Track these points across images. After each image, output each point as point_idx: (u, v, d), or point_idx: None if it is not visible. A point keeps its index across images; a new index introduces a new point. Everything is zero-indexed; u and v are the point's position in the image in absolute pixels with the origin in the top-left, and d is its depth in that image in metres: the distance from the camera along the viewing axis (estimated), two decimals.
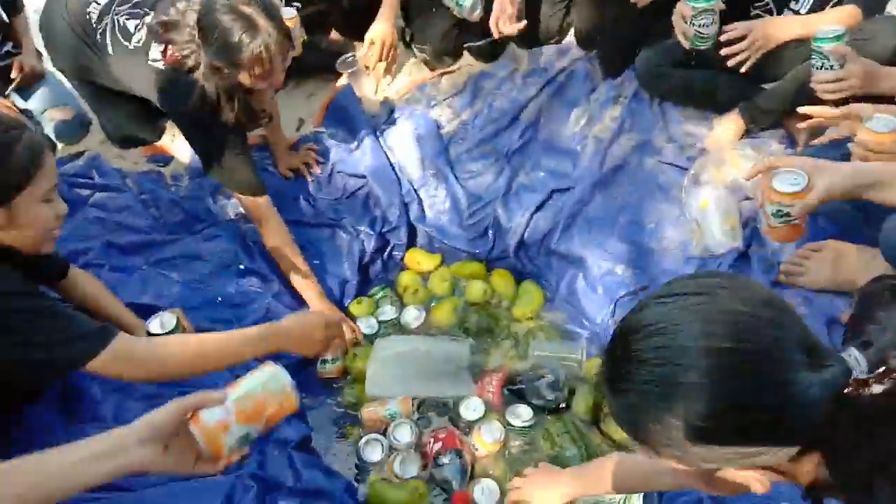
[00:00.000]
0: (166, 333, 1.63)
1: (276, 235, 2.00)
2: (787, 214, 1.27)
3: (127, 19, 2.02)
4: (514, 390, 1.85)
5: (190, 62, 1.80)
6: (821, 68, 1.66)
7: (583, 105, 2.36)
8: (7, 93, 2.38)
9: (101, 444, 0.96)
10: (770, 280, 1.77)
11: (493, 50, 2.59)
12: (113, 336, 1.32)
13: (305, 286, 2.01)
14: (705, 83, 2.18)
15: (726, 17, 2.04)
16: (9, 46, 2.45)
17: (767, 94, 2.08)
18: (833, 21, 1.78)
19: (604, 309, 1.93)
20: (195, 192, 2.27)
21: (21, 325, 1.25)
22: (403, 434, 1.78)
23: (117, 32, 2.01)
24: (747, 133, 2.12)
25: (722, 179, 1.95)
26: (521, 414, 1.77)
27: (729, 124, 2.12)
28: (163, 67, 1.91)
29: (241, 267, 2.06)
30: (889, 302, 1.42)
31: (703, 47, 1.92)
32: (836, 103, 1.65)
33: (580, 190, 2.15)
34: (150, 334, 1.63)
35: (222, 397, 0.98)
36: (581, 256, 2.03)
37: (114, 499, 1.45)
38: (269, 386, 1.03)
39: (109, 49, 2.03)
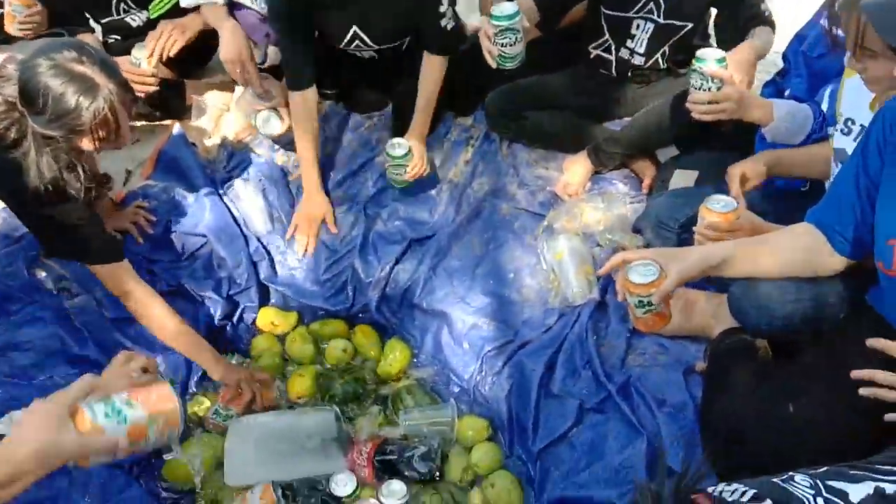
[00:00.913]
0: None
1: (148, 304, 1.77)
2: (650, 304, 1.30)
3: None
4: (386, 461, 1.77)
5: (12, 134, 1.55)
6: (699, 89, 1.70)
7: (436, 147, 2.32)
8: None
9: None
10: (628, 328, 1.82)
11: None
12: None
13: (198, 354, 1.83)
14: (553, 124, 2.21)
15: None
16: None
17: (614, 138, 2.15)
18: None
19: (471, 365, 1.91)
20: (6, 266, 1.99)
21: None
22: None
23: None
24: (597, 173, 2.18)
25: (574, 229, 1.99)
26: (396, 491, 1.69)
27: (578, 168, 2.16)
28: None
29: (72, 354, 1.83)
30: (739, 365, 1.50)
31: (509, 66, 1.90)
32: (710, 126, 1.73)
33: (437, 240, 2.11)
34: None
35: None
36: (444, 311, 1.99)
37: None
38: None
39: None
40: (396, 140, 2.10)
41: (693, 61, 1.69)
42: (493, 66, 1.90)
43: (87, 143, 1.58)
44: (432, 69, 2.14)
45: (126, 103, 1.59)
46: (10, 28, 2.13)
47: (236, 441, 1.81)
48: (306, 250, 2.17)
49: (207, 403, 1.90)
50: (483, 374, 1.89)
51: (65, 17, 2.23)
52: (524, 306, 1.95)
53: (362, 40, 2.15)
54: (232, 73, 2.25)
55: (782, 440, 1.29)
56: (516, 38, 1.83)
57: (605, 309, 1.88)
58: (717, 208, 1.48)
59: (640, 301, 1.30)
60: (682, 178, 1.90)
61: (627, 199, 2.07)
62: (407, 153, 2.08)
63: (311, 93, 2.12)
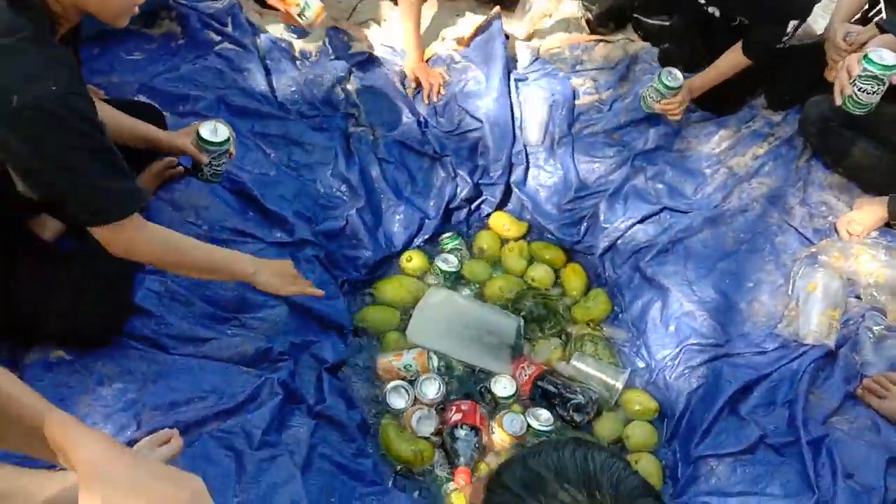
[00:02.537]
0: (217, 143, 1.62)
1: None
2: None
3: None
4: (545, 389, 1.81)
5: None
6: None
7: (731, 128, 2.21)
8: None
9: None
10: (848, 389, 1.68)
11: (661, 33, 2.42)
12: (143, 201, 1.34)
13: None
14: (867, 155, 2.00)
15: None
16: None
17: None
18: None
19: (668, 348, 1.86)
20: (319, 76, 2.23)
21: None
22: (430, 390, 1.76)
23: None
24: (888, 226, 1.96)
25: (840, 269, 1.82)
26: (541, 417, 1.74)
27: (871, 210, 1.95)
28: None
29: (337, 170, 2.04)
30: None
31: (855, 111, 1.75)
32: None
33: (692, 217, 2.04)
34: (200, 137, 1.61)
35: None
36: (666, 286, 1.94)
37: (148, 356, 1.51)
38: None
39: None
40: (674, 70, 2.09)
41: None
42: (838, 102, 1.77)
43: None
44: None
45: None
46: None
47: (431, 306, 1.94)
48: (439, 93, 2.27)
49: None
50: (676, 361, 1.84)
51: None
52: (749, 320, 1.85)
53: None
54: None
55: None
56: (877, 90, 1.70)
57: (831, 360, 1.74)
58: None
59: None
60: None
61: None
62: (678, 87, 2.08)
63: None
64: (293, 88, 2.18)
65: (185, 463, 1.28)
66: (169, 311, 1.61)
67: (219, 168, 1.68)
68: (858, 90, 1.71)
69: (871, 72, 1.67)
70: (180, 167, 1.85)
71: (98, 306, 1.46)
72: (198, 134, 1.61)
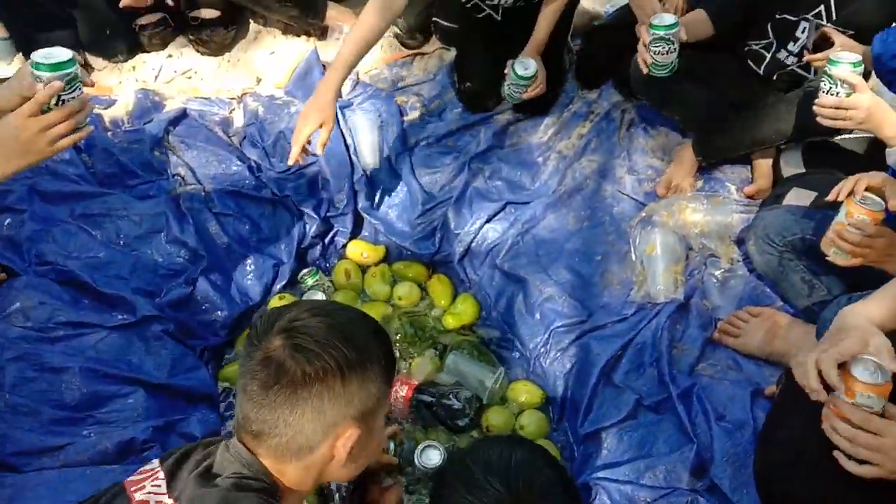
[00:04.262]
0: (55, 64, 1.24)
1: None
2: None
3: None
4: (423, 402, 1.80)
5: None
6: (827, 93, 1.61)
7: (554, 114, 2.30)
8: None
9: None
10: (705, 336, 1.78)
11: (452, 35, 2.48)
12: None
13: None
14: (699, 96, 2.10)
15: (715, 50, 2.01)
16: None
17: (724, 130, 2.06)
18: None
19: (538, 336, 1.90)
20: (134, 142, 2.14)
21: None
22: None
23: None
24: (705, 170, 2.10)
25: (672, 225, 1.93)
26: (432, 458, 1.71)
27: (685, 157, 2.09)
28: None
29: (171, 235, 1.95)
30: None
31: (660, 74, 1.89)
32: (842, 148, 1.63)
33: (533, 207, 2.10)
34: (35, 66, 1.24)
35: None
36: (524, 277, 1.99)
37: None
38: None
39: None
40: (525, 60, 2.15)
41: (826, 63, 1.60)
42: (645, 71, 1.90)
43: None
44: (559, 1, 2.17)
45: None
46: None
47: None
48: (297, 159, 1.90)
49: None
50: (548, 347, 1.88)
51: None
52: (604, 291, 1.93)
53: None
54: None
55: (834, 484, 1.23)
56: (670, 49, 1.83)
57: (685, 312, 1.84)
58: (865, 205, 1.40)
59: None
60: (798, 197, 1.80)
61: (734, 207, 1.99)
62: (534, 74, 2.13)
63: None
64: (110, 160, 2.07)
65: None
66: (13, 426, 1.49)
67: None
68: (655, 54, 1.84)
69: (658, 34, 1.81)
70: (2, 274, 1.73)
71: None
72: (33, 64, 1.24)
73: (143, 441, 1.51)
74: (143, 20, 2.40)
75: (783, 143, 2.02)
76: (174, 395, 1.67)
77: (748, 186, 2.06)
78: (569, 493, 0.96)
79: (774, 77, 2.04)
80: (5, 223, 1.89)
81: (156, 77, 2.38)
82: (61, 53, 1.25)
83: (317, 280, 2.09)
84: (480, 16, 2.29)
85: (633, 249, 1.94)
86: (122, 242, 1.91)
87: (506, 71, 2.18)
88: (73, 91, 1.26)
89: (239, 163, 2.17)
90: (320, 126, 1.87)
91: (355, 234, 2.22)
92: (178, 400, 1.67)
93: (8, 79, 1.47)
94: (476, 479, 0.94)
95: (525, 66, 2.13)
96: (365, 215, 2.20)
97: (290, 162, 1.90)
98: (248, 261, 2.03)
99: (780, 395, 1.55)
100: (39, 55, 1.24)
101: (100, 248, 1.87)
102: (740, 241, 1.93)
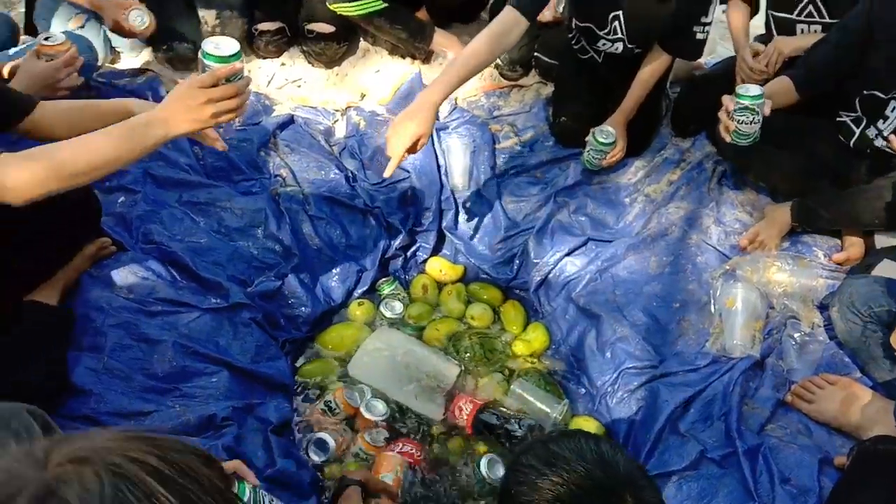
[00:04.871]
0: (226, 56, 1.33)
1: None
2: None
3: None
4: (486, 423, 1.83)
5: None
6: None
7: (646, 158, 2.33)
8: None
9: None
10: (778, 397, 1.76)
11: (551, 70, 2.55)
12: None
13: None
14: (785, 164, 2.12)
15: (806, 112, 2.02)
16: None
17: (827, 200, 2.05)
18: None
19: (606, 374, 1.92)
20: (243, 141, 2.27)
21: None
22: (378, 409, 1.80)
23: None
24: (794, 233, 2.09)
25: (756, 281, 1.93)
26: (498, 471, 1.75)
27: (777, 217, 2.08)
28: None
29: (268, 231, 2.06)
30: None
31: (742, 143, 1.89)
32: None
33: (616, 246, 2.13)
34: (205, 55, 1.33)
35: None
36: (598, 314, 2.01)
37: None
38: None
39: None
40: (606, 128, 2.19)
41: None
42: (727, 140, 1.91)
43: None
44: (658, 64, 2.22)
45: None
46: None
47: (375, 345, 1.97)
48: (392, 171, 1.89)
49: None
50: (615, 387, 1.89)
51: None
52: (679, 339, 1.93)
53: (618, 31, 2.17)
54: None
55: None
56: (754, 119, 1.84)
57: (759, 370, 1.82)
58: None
59: None
60: (889, 269, 1.78)
61: (821, 271, 1.97)
62: (613, 142, 2.18)
63: (524, 21, 1.94)
64: (219, 155, 2.20)
65: None
66: (108, 389, 1.59)
67: None
68: (739, 123, 1.85)
69: (743, 104, 1.82)
70: (112, 247, 1.85)
71: (31, 390, 1.43)
72: (202, 52, 1.33)
73: (222, 418, 1.59)
74: (262, 26, 2.55)
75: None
76: (254, 381, 1.75)
77: (838, 254, 2.03)
78: (653, 486, 0.96)
79: (868, 150, 2.02)
80: (119, 201, 2.02)
81: (268, 82, 2.52)
82: (230, 45, 1.34)
83: (393, 290, 2.17)
84: (584, 57, 2.35)
85: (712, 301, 1.94)
86: (222, 232, 2.03)
87: (587, 138, 2.22)
88: (237, 79, 1.35)
89: (337, 171, 2.27)
90: (416, 140, 1.87)
91: (437, 250, 2.29)
92: (257, 385, 1.75)
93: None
94: (562, 459, 0.94)
95: (605, 134, 2.18)
96: (448, 234, 2.27)
97: (387, 174, 1.91)
98: (335, 264, 2.12)
99: (850, 468, 1.53)
100: (210, 45, 1.33)
101: (202, 235, 1.98)
102: (823, 307, 1.91)
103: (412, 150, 1.88)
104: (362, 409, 1.79)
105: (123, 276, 1.81)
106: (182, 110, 1.32)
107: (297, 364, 1.96)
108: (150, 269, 1.84)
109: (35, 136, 1.56)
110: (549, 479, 0.94)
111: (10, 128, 1.54)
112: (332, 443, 1.74)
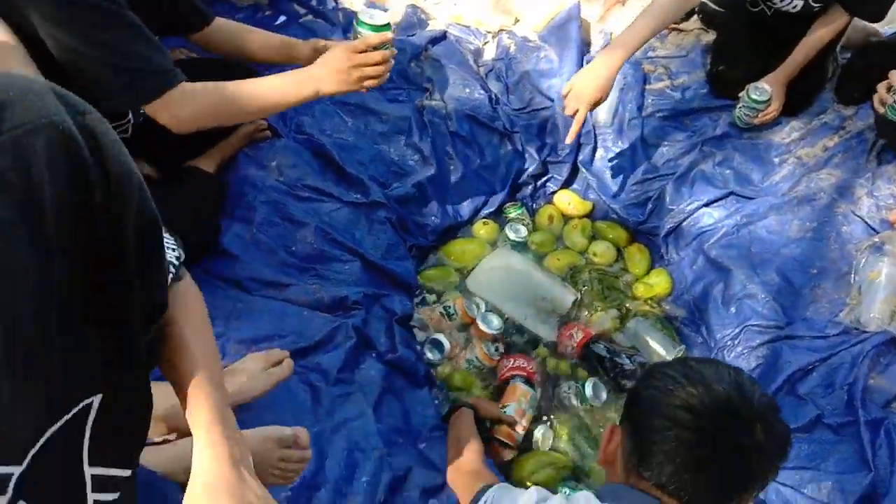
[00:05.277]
0: (380, 26, 1.45)
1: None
2: None
3: None
4: (596, 353, 1.86)
5: None
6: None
7: (802, 119, 2.22)
8: None
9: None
10: None
11: (714, 18, 2.44)
12: (180, 80, 1.34)
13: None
14: None
15: None
16: None
17: None
18: None
19: (728, 329, 1.89)
20: (397, 51, 2.31)
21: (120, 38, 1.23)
22: (493, 322, 1.85)
23: None
24: None
25: None
26: (602, 395, 1.79)
27: None
28: None
29: (410, 140, 2.11)
30: None
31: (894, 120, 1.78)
32: None
33: (758, 203, 2.06)
34: (360, 23, 1.45)
35: None
36: (730, 268, 1.96)
37: (232, 295, 1.61)
38: None
39: None
40: (762, 85, 2.10)
41: None
42: (880, 111, 1.83)
43: None
44: (833, 27, 2.09)
45: None
46: None
47: (495, 262, 2.03)
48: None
49: None
50: (736, 341, 1.86)
51: None
52: (811, 305, 1.86)
53: None
54: None
55: None
56: None
57: (893, 349, 1.74)
58: None
59: None
60: None
61: None
62: (767, 100, 2.09)
63: None
64: None
65: None
66: (253, 258, 1.71)
67: None
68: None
69: None
70: (268, 131, 1.96)
71: (192, 224, 1.57)
72: (357, 20, 1.45)
73: (353, 301, 1.69)
74: None
75: None
76: (382, 275, 1.83)
77: None
78: (784, 425, 0.97)
79: None
80: None
81: None
82: (383, 17, 1.46)
83: (519, 214, 2.20)
84: (755, 10, 2.23)
85: (854, 271, 1.86)
86: (367, 134, 2.10)
87: (740, 94, 2.14)
88: (385, 48, 1.47)
89: (481, 91, 2.29)
90: (596, 102, 1.87)
91: (568, 183, 2.29)
92: (384, 280, 1.84)
93: None
94: (700, 375, 0.96)
95: (760, 92, 2.09)
96: (582, 168, 2.26)
97: (569, 140, 2.01)
98: (468, 181, 2.16)
99: None
100: (365, 15, 1.46)
101: (349, 133, 2.06)
102: None
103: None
104: (479, 321, 1.85)
105: (277, 159, 1.92)
106: (333, 72, 1.44)
107: (420, 269, 2.04)
108: (301, 157, 1.94)
109: (202, 46, 1.69)
110: (684, 390, 0.96)
111: (189, 35, 1.66)
112: (447, 344, 1.81)
